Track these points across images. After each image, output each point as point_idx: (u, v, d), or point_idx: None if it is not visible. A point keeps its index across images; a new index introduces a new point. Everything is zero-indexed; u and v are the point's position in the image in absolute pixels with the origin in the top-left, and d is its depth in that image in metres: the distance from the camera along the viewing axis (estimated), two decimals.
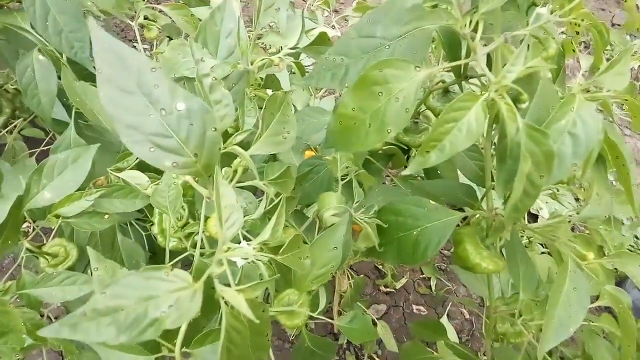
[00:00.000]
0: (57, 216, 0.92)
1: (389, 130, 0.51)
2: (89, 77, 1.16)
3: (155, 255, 1.09)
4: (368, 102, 0.51)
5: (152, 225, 0.87)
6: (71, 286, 0.89)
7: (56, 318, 0.98)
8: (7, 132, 1.48)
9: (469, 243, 0.74)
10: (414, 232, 0.71)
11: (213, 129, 0.46)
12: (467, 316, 1.94)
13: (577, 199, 2.21)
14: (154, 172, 1.06)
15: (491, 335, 1.09)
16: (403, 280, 1.93)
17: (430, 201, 0.72)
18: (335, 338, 1.85)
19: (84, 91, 0.97)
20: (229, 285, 0.45)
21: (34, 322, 0.88)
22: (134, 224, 1.08)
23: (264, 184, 0.61)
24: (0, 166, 1.06)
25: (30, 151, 1.57)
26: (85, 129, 1.14)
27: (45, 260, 0.96)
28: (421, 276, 1.99)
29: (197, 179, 0.77)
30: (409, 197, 0.74)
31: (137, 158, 1.03)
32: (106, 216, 0.94)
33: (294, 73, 1.35)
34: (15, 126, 1.43)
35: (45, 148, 1.63)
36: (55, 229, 1.02)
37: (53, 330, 0.37)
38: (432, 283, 1.96)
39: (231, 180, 0.60)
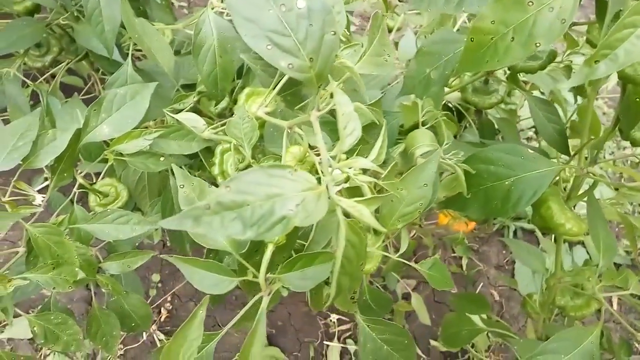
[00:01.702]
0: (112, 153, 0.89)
1: (537, 44, 0.47)
2: (144, 15, 1.12)
3: None
4: (513, 13, 0.47)
5: (212, 166, 0.84)
6: (124, 225, 0.86)
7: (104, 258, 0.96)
8: (44, 80, 1.45)
9: (554, 202, 0.70)
10: (506, 182, 0.67)
11: (332, 33, 0.43)
12: (497, 298, 1.91)
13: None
14: (209, 118, 1.03)
15: (547, 308, 1.06)
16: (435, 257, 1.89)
17: (529, 149, 0.68)
18: None
19: (143, 28, 0.94)
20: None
21: (85, 257, 0.86)
22: (184, 169, 1.05)
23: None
24: (50, 102, 1.04)
25: (67, 100, 1.55)
26: (138, 73, 1.11)
27: (97, 198, 0.93)
28: (452, 255, 1.96)
29: (267, 112, 0.74)
30: (502, 145, 0.70)
31: (192, 102, 1.00)
32: (162, 158, 0.91)
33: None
34: (52, 75, 1.40)
35: (83, 97, 1.60)
36: (105, 169, 0.99)
37: (175, 221, 0.34)
38: (464, 262, 1.93)
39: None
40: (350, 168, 0.42)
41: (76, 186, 0.90)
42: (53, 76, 1.43)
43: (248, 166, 0.84)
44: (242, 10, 0.41)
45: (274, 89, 0.80)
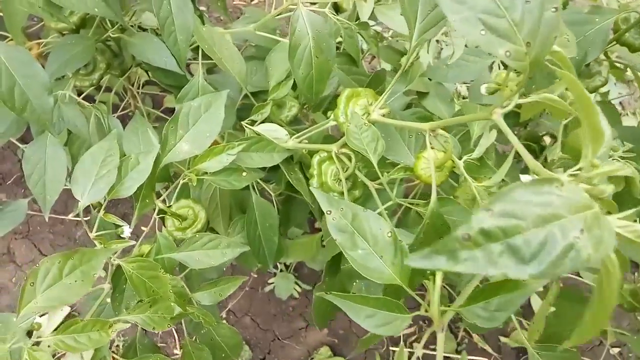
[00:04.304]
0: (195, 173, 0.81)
1: None
2: (201, 20, 1.05)
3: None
4: None
5: (311, 178, 0.76)
6: (214, 250, 0.79)
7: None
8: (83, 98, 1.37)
9: None
10: None
11: (552, 9, 0.34)
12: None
13: None
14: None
15: None
16: None
17: None
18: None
19: (211, 36, 0.86)
20: None
21: (176, 289, 0.78)
22: (261, 183, 0.98)
23: None
24: (111, 124, 0.96)
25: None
26: None
27: (177, 221, 0.86)
28: None
29: (383, 114, 0.66)
30: None
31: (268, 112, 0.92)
32: (244, 173, 0.84)
33: None
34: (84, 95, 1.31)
35: (120, 114, 1.53)
36: (177, 191, 0.92)
37: (425, 259, 0.27)
38: None
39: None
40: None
41: (156, 212, 0.83)
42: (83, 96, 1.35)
43: (351, 176, 0.76)
44: None
45: (376, 90, 0.72)
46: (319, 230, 1.67)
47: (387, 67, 1.59)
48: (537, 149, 1.18)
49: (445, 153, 0.54)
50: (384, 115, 0.64)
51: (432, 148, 0.59)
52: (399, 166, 0.64)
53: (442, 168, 0.57)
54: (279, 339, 1.71)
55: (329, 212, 0.50)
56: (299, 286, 1.75)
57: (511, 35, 0.34)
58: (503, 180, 0.67)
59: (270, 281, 1.77)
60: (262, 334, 1.72)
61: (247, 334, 1.71)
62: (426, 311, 0.52)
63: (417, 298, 0.52)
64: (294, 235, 1.64)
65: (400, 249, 0.48)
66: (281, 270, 1.78)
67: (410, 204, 0.62)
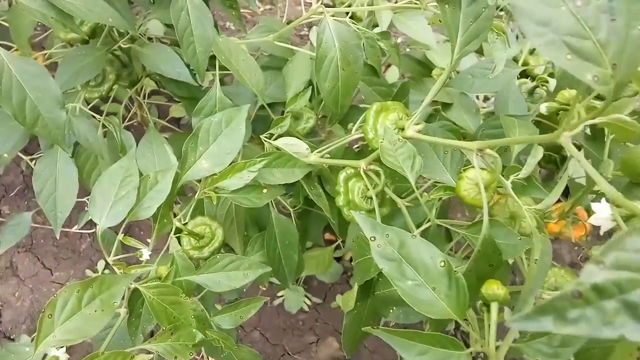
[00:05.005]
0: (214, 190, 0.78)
1: None
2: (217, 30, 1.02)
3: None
4: None
5: (337, 196, 0.73)
6: (236, 271, 0.76)
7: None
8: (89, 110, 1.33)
9: None
10: None
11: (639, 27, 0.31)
12: None
13: None
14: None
15: None
16: None
17: None
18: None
19: (228, 47, 0.83)
20: None
21: (196, 313, 0.75)
22: (278, 198, 0.94)
23: None
24: (123, 138, 0.93)
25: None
26: None
27: (195, 240, 0.82)
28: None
29: (418, 131, 0.62)
30: None
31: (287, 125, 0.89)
32: (264, 190, 0.80)
33: None
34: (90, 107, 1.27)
35: (127, 123, 1.50)
36: (192, 208, 0.88)
37: (530, 322, 0.23)
38: None
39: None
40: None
41: (172, 231, 0.79)
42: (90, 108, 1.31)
43: (380, 193, 0.73)
44: (534, 11, 0.30)
45: (402, 105, 0.69)
46: (330, 242, 1.64)
47: (395, 76, 1.56)
48: (557, 160, 1.15)
49: (492, 173, 0.51)
50: (419, 132, 0.61)
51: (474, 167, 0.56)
52: (437, 185, 0.60)
53: (487, 189, 0.54)
54: (289, 353, 1.67)
55: (372, 239, 0.47)
56: (309, 299, 1.71)
57: (597, 57, 0.31)
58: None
59: (279, 294, 1.73)
60: (272, 349, 1.67)
61: (256, 349, 1.66)
62: (482, 346, 0.49)
63: (473, 333, 0.49)
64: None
65: (456, 280, 0.45)
66: None
67: (459, 226, 0.59)
